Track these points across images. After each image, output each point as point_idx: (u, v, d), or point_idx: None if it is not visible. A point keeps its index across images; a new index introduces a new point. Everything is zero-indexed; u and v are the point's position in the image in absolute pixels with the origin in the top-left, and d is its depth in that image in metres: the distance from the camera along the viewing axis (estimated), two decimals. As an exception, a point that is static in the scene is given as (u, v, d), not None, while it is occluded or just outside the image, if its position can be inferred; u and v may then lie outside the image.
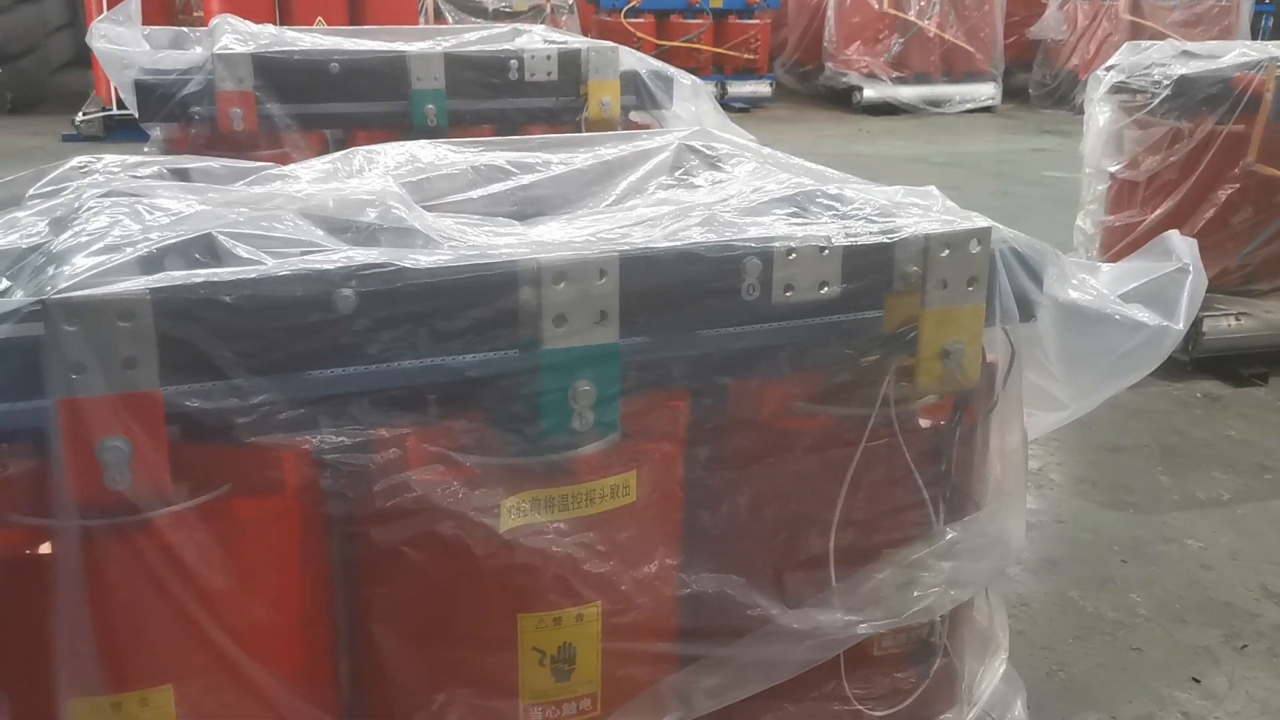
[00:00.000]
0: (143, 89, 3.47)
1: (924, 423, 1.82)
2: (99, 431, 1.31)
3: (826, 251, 1.66)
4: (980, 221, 1.73)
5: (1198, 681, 3.13)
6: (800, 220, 1.76)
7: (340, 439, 1.47)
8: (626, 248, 1.53)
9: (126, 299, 1.30)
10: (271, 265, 1.42)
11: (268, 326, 1.38)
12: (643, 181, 2.02)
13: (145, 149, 3.79)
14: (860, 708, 1.82)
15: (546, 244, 1.58)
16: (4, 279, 1.50)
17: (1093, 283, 1.94)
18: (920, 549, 1.78)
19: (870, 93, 11.33)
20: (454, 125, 3.67)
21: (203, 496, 1.48)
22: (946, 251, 1.68)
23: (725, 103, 11.83)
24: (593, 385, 1.53)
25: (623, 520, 1.66)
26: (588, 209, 1.93)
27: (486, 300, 1.48)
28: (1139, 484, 4.17)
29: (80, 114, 8.76)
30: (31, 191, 1.81)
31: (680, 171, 2.09)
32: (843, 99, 11.64)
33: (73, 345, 1.28)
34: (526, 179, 2.01)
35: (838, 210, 1.80)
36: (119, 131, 8.49)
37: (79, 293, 1.29)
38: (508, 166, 2.04)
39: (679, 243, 1.58)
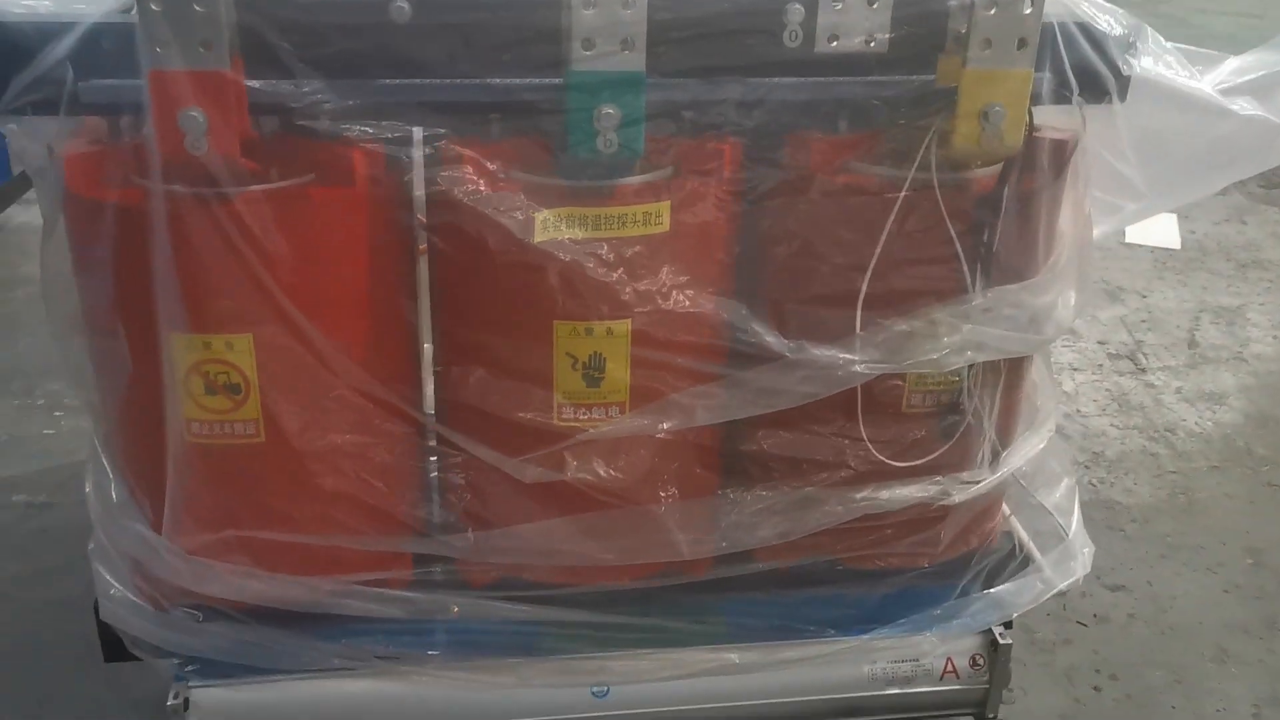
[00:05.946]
0: None
1: (968, 189, 1.85)
2: (180, 101, 1.57)
3: (875, 5, 1.70)
4: (1040, -17, 1.71)
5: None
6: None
7: (394, 136, 1.68)
8: (657, -22, 1.63)
9: (201, -16, 1.53)
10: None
11: (321, 24, 1.59)
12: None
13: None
14: (872, 450, 1.92)
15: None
16: None
17: (1183, 65, 1.88)
18: (943, 308, 1.84)
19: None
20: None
21: (286, 181, 1.74)
22: (993, 10, 1.68)
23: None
24: (616, 109, 1.66)
25: (655, 246, 1.81)
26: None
27: (523, 18, 1.63)
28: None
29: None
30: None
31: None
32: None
33: (156, 23, 1.52)
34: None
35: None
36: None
37: (162, -24, 1.52)
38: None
39: (711, -22, 1.66)
